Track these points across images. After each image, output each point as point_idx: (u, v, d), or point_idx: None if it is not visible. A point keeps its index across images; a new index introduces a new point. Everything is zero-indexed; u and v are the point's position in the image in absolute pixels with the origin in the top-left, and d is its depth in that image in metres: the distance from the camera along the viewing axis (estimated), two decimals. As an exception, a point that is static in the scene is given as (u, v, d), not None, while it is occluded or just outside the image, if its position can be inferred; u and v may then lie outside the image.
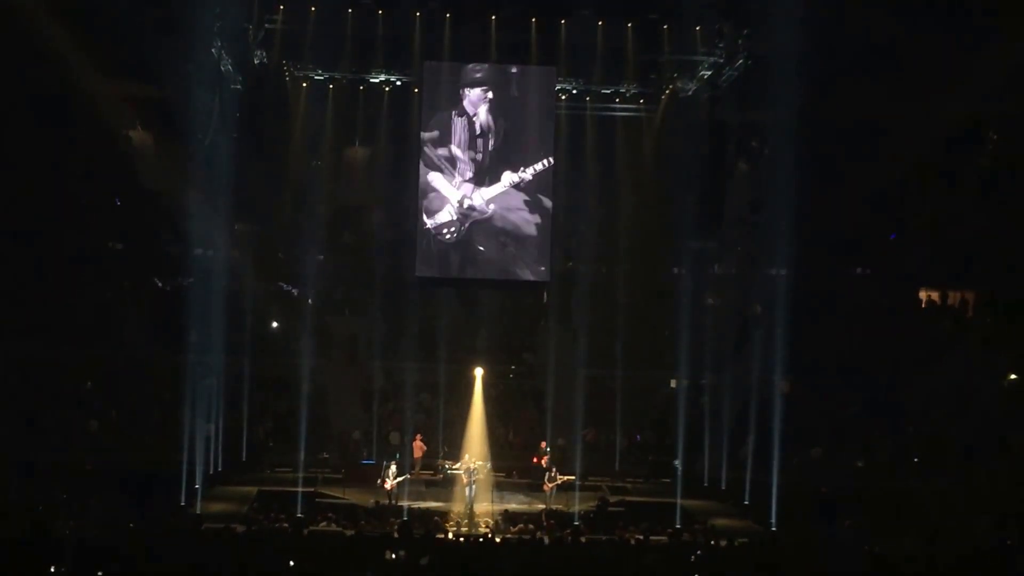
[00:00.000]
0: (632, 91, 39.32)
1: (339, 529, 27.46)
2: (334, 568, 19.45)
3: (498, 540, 23.97)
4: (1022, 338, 37.86)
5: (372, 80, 38.75)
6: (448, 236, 36.75)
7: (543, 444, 34.35)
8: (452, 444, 35.25)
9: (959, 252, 39.31)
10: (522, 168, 36.61)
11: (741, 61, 37.05)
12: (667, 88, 39.08)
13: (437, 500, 31.87)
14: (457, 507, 30.82)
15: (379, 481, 31.28)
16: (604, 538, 24.77)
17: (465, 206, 36.48)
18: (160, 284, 41.16)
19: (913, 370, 37.26)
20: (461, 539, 24.42)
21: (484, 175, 36.79)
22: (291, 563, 19.00)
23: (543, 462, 33.25)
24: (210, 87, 36.44)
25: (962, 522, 26.70)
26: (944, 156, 38.78)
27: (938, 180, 39.15)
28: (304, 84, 39.00)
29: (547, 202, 36.93)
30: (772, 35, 34.55)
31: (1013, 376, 36.93)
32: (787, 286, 36.22)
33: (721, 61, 37.69)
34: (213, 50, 36.10)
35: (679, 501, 31.11)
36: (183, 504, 29.21)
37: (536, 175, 36.68)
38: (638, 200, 40.05)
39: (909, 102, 37.25)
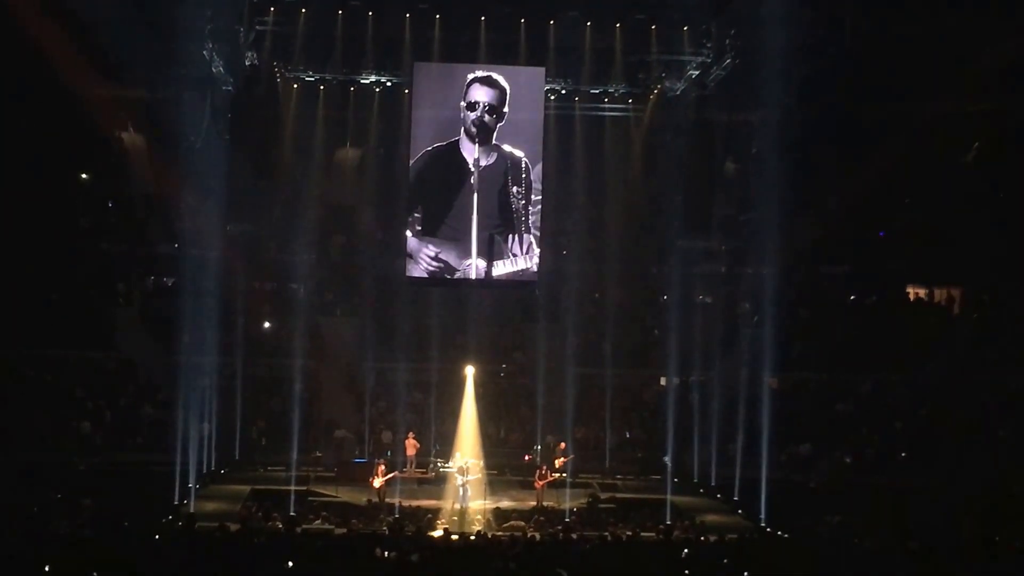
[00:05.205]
0: (620, 91, 39.49)
1: (331, 527, 27.66)
2: (326, 566, 19.60)
3: (489, 537, 24.14)
4: (1008, 334, 38.16)
5: (363, 81, 38.87)
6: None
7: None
8: (444, 442, 35.41)
9: (946, 249, 39.61)
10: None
11: (728, 61, 37.22)
12: (655, 88, 39.25)
13: (429, 498, 32.02)
14: (449, 505, 31.01)
15: (370, 479, 31.49)
16: (595, 535, 24.94)
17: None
18: (152, 285, 41.30)
19: (900, 367, 37.59)
20: (453, 537, 24.58)
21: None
22: (284, 561, 19.14)
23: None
24: (201, 88, 36.53)
25: (949, 518, 26.90)
26: (931, 154, 39.03)
27: (925, 178, 39.41)
28: (295, 85, 39.12)
29: (537, 199, 37.09)
30: (759, 35, 34.74)
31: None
32: (775, 284, 36.49)
33: (709, 61, 37.86)
34: (204, 51, 36.17)
35: (669, 497, 31.28)
36: (177, 503, 29.36)
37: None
38: (627, 199, 40.31)
39: (896, 101, 37.55)
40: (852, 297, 42.76)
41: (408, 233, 37.07)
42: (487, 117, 36.46)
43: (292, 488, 31.09)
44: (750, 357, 35.43)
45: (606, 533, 25.16)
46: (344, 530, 25.95)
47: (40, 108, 35.74)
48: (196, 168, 35.91)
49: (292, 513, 28.51)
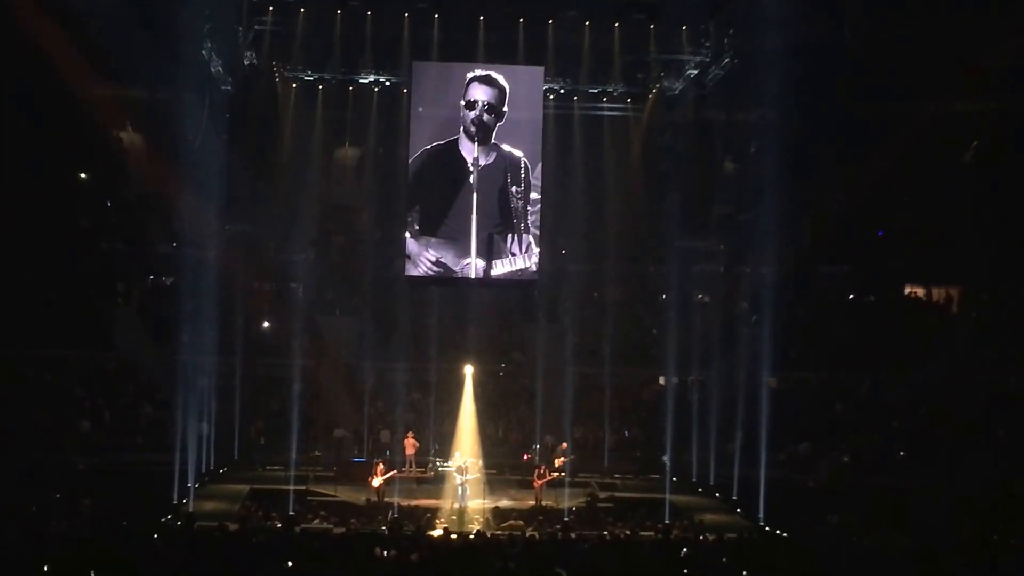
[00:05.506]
0: (619, 90, 39.59)
1: (330, 527, 27.66)
2: (326, 565, 19.60)
3: (488, 536, 24.15)
4: (1007, 334, 38.17)
5: (361, 81, 38.96)
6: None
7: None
8: (443, 442, 35.44)
9: (945, 249, 39.62)
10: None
11: (727, 60, 37.29)
12: (654, 87, 39.33)
13: (428, 497, 32.03)
14: (448, 504, 31.01)
15: (369, 479, 31.50)
16: (594, 534, 24.95)
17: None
18: (152, 284, 41.30)
19: (899, 367, 37.58)
20: (452, 536, 24.59)
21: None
22: (283, 561, 19.14)
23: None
24: (200, 88, 36.59)
25: (949, 518, 26.90)
26: (931, 154, 39.03)
27: (924, 178, 39.43)
28: (294, 85, 39.20)
29: (536, 199, 37.13)
30: (758, 34, 34.79)
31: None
32: (773, 283, 36.52)
33: (707, 60, 37.94)
34: (203, 51, 36.24)
35: (668, 497, 31.28)
36: (176, 502, 29.37)
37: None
38: (626, 199, 40.35)
39: (896, 101, 37.57)
40: (851, 297, 42.81)
41: (407, 235, 37.11)
42: (486, 116, 36.50)
43: (291, 487, 31.05)
44: (749, 357, 35.41)
45: (605, 532, 25.17)
46: (343, 529, 25.92)
47: (40, 108, 35.74)
48: (195, 168, 35.95)
49: (291, 512, 28.48)
